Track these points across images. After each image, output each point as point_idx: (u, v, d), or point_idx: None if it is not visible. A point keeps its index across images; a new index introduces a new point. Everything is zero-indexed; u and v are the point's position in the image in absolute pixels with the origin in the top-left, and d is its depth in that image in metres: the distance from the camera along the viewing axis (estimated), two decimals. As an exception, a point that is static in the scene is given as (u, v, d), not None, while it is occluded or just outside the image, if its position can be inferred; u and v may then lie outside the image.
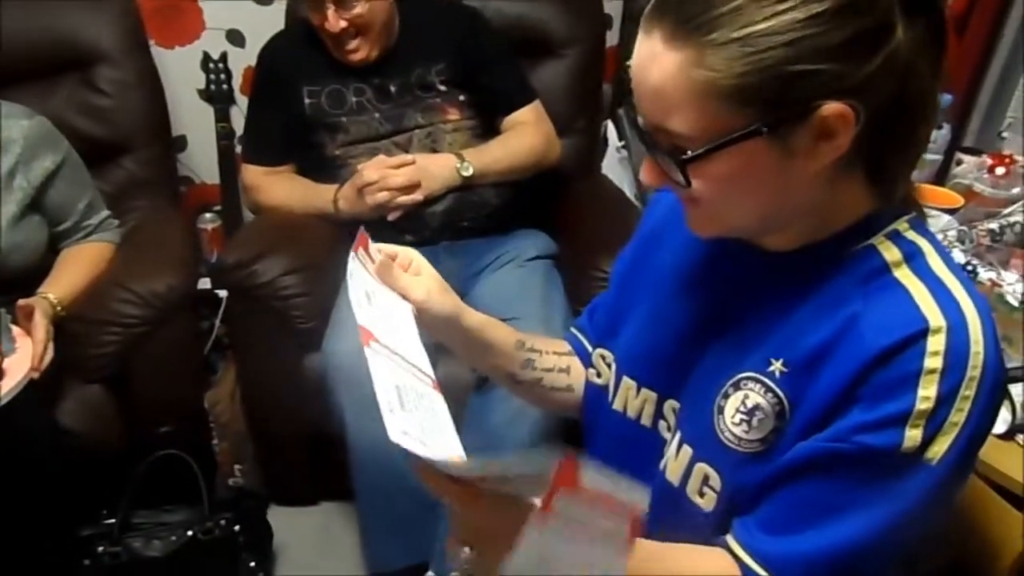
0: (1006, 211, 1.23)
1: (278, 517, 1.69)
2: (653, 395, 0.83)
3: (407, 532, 1.52)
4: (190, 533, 1.50)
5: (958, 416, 0.63)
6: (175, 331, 1.54)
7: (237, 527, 1.55)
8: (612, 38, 2.25)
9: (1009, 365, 1.07)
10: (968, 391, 0.63)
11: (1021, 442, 1.04)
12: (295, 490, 1.79)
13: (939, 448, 0.63)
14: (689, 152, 0.63)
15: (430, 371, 0.77)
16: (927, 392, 0.62)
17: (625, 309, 0.87)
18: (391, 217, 1.61)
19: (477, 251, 1.70)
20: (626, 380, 0.85)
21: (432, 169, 1.63)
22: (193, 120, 2.11)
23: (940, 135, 1.57)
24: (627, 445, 0.85)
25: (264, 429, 1.72)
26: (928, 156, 1.58)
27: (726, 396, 0.73)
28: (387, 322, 0.78)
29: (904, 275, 0.67)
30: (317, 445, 1.68)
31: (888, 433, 0.63)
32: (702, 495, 0.75)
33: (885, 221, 0.69)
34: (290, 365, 1.60)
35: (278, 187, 1.73)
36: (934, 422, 0.62)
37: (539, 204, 1.84)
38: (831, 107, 0.60)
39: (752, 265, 0.74)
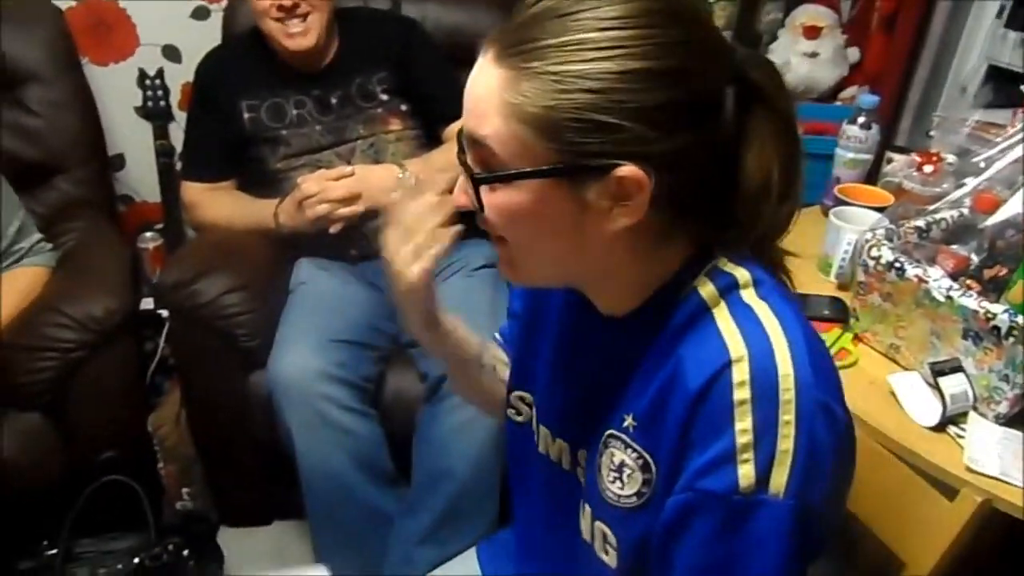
0: (931, 207, 1.26)
1: (229, 539, 1.66)
2: (566, 445, 0.83)
3: (360, 547, 1.51)
4: (137, 560, 1.47)
5: (785, 443, 0.60)
6: (115, 354, 1.51)
7: (186, 551, 1.51)
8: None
9: (938, 359, 1.11)
10: (787, 415, 0.60)
11: (952, 433, 1.07)
12: (246, 510, 1.76)
13: (779, 480, 0.60)
14: (484, 173, 0.64)
15: None
16: (743, 425, 0.60)
17: (533, 355, 0.87)
18: (332, 230, 1.60)
19: (423, 262, 1.70)
20: (542, 428, 0.85)
21: (372, 180, 1.62)
22: (131, 138, 2.08)
23: (870, 135, 1.61)
24: (553, 486, 0.85)
25: (212, 450, 1.69)
26: (859, 156, 1.62)
27: (599, 455, 0.73)
28: None
29: (719, 311, 0.66)
30: (267, 464, 1.66)
31: (722, 474, 0.61)
32: (606, 552, 0.75)
33: (705, 262, 0.68)
34: (236, 384, 1.58)
35: (218, 203, 1.71)
36: (762, 453, 0.60)
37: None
38: (628, 169, 0.60)
39: (600, 330, 0.75)
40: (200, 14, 2.03)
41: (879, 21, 2.04)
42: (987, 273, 1.12)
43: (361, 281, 1.69)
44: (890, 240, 1.20)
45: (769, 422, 0.60)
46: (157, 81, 2.00)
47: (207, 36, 1.88)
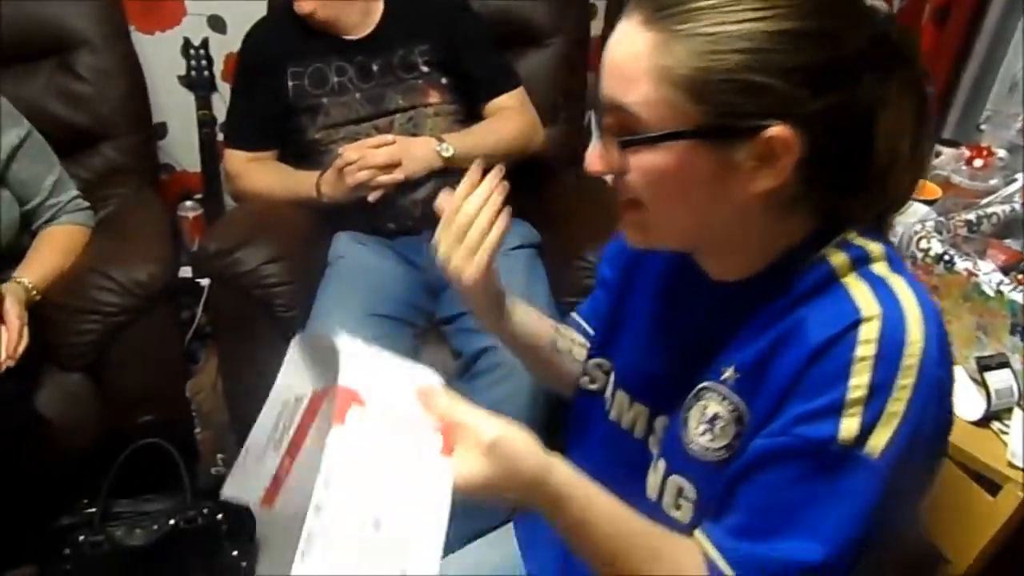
0: (983, 202, 1.24)
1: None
2: (645, 410, 0.84)
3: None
4: (172, 522, 1.49)
5: (896, 406, 0.61)
6: (156, 320, 1.53)
7: (219, 516, 1.54)
8: (596, 28, 2.25)
9: (985, 353, 1.10)
10: (906, 380, 0.61)
11: (996, 429, 1.06)
12: (277, 479, 1.78)
13: (878, 441, 0.61)
14: (633, 135, 0.64)
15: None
16: (859, 380, 0.61)
17: (620, 322, 0.88)
18: (372, 198, 1.60)
19: (460, 240, 1.70)
20: (620, 393, 0.86)
21: (412, 149, 1.63)
22: (174, 107, 2.10)
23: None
24: (615, 453, 0.86)
25: (246, 418, 1.69)
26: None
27: (688, 408, 0.74)
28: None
29: (850, 280, 0.66)
30: (300, 434, 1.67)
31: (823, 424, 0.62)
32: (678, 507, 0.76)
33: (836, 231, 0.69)
34: (272, 354, 1.59)
35: (261, 174, 1.72)
36: (870, 411, 0.61)
37: (523, 193, 1.83)
38: (777, 129, 0.61)
39: (707, 294, 0.75)
40: (246, -14, 2.04)
41: (931, 12, 2.00)
42: (1039, 268, 1.10)
43: (399, 257, 1.69)
44: (939, 233, 1.19)
45: (886, 383, 0.61)
46: (202, 51, 2.02)
47: (253, 7, 1.88)
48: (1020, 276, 1.10)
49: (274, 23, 1.75)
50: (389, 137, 1.63)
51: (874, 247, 0.68)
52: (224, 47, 2.03)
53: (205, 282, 1.82)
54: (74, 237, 1.58)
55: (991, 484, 0.94)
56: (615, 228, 0.92)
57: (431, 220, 1.65)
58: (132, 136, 1.83)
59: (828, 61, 0.60)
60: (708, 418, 0.72)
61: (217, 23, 2.05)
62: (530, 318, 0.94)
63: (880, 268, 0.67)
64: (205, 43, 2.02)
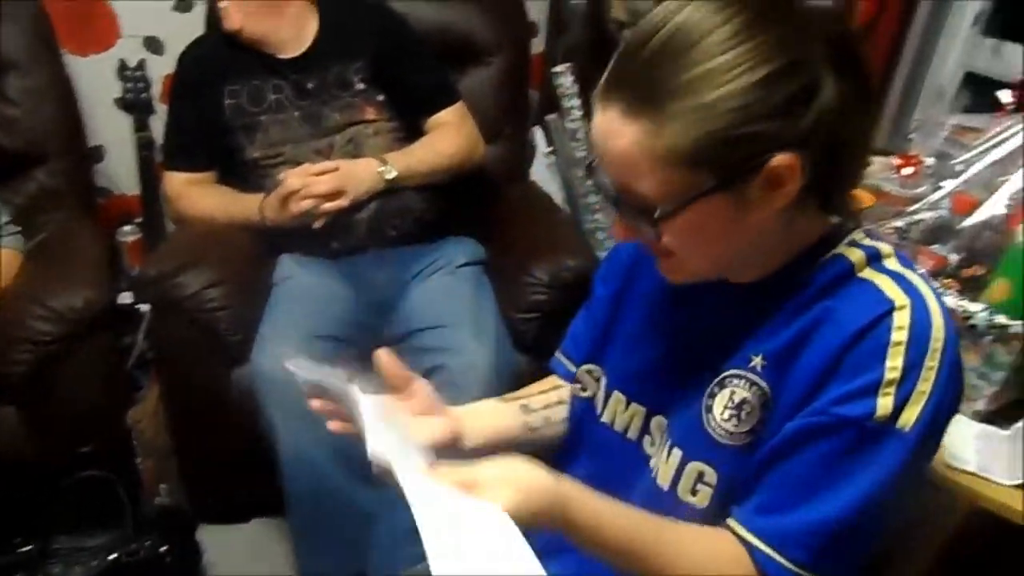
0: (910, 209, 1.28)
1: (208, 536, 1.65)
2: (642, 410, 0.86)
3: (340, 544, 1.50)
4: (114, 556, 1.46)
5: (924, 385, 0.68)
6: (93, 347, 1.49)
7: (164, 548, 1.51)
8: (538, 45, 2.28)
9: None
10: (932, 362, 0.68)
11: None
12: (224, 507, 1.74)
13: (910, 416, 0.68)
14: (658, 211, 0.69)
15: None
16: (895, 363, 0.67)
17: (612, 330, 0.91)
18: (316, 225, 1.59)
19: (406, 259, 1.70)
20: (616, 394, 0.88)
21: (356, 173, 1.62)
22: (111, 130, 2.05)
23: (851, 137, 1.63)
24: (608, 456, 0.88)
25: (191, 446, 1.67)
26: (841, 158, 1.64)
27: (712, 395, 0.77)
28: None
29: (870, 274, 0.73)
30: (246, 460, 1.64)
31: (861, 403, 0.68)
32: (695, 493, 0.78)
33: (844, 233, 0.75)
34: (217, 380, 1.56)
35: (202, 197, 1.70)
36: (903, 390, 0.68)
37: (468, 210, 1.84)
38: (779, 159, 0.66)
39: (725, 293, 0.79)
40: (183, 6, 2.01)
41: (859, 27, 2.07)
42: (965, 273, 1.14)
43: (344, 277, 1.68)
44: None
45: (917, 364, 0.68)
46: (138, 72, 1.98)
47: (190, 28, 1.86)
48: (947, 280, 1.13)
49: (210, 42, 1.73)
50: (332, 164, 1.62)
51: (883, 246, 0.75)
52: (162, 68, 2.00)
53: (146, 308, 1.78)
54: (6, 261, 1.53)
55: (931, 485, 0.96)
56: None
57: (377, 239, 1.68)
58: (65, 160, 1.79)
59: (799, 87, 0.65)
60: (736, 404, 0.75)
61: (153, 44, 2.02)
62: (490, 422, 0.93)
63: (893, 264, 0.74)
64: (141, 64, 1.98)
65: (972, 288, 1.12)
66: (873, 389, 0.68)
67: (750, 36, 0.65)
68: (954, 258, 1.18)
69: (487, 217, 1.89)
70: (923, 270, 0.76)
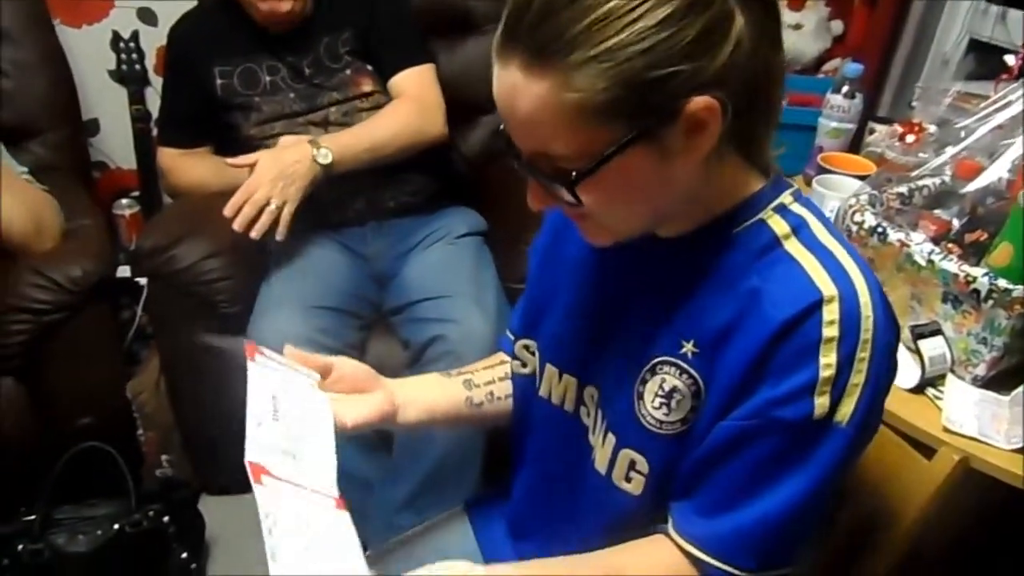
0: (913, 174, 1.27)
1: (210, 507, 1.66)
2: (574, 381, 0.84)
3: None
4: (117, 527, 1.46)
5: (858, 377, 0.66)
6: (92, 319, 1.49)
7: (166, 518, 1.51)
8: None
9: (918, 322, 1.12)
10: (863, 353, 0.66)
11: (931, 395, 1.09)
12: (226, 478, 1.75)
13: (847, 410, 0.67)
14: (574, 173, 0.64)
15: (333, 488, 0.74)
16: (828, 360, 0.65)
17: (544, 300, 0.89)
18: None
19: (405, 230, 1.69)
20: (549, 367, 0.87)
21: (284, 168, 1.45)
22: (106, 103, 2.04)
23: (853, 104, 1.61)
24: (552, 430, 0.88)
25: (191, 417, 1.68)
26: (843, 125, 1.63)
27: (644, 381, 0.75)
28: (290, 434, 0.75)
29: (793, 247, 0.69)
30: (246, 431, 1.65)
31: (798, 404, 0.66)
32: (628, 480, 0.77)
33: (770, 197, 0.72)
34: (215, 351, 1.56)
35: (194, 167, 1.68)
36: (838, 387, 0.66)
37: (467, 181, 1.83)
38: (697, 102, 0.62)
39: (650, 253, 0.76)
40: (177, -24, 1.98)
41: (864, -6, 2.04)
42: (968, 237, 1.13)
43: (342, 248, 1.67)
44: (873, 206, 1.21)
45: (849, 358, 0.66)
46: (131, 44, 1.95)
47: (184, -2, 1.84)
48: (950, 246, 1.12)
49: (201, 17, 1.69)
50: (252, 157, 1.48)
51: (808, 214, 0.72)
52: (155, 40, 1.97)
53: (144, 281, 1.77)
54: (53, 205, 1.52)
55: (927, 449, 0.96)
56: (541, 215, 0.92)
57: (375, 210, 1.67)
58: (60, 132, 1.78)
59: (709, 22, 0.61)
60: (666, 392, 0.73)
61: (147, 15, 2.00)
62: (431, 396, 0.92)
63: (820, 234, 0.70)
64: (135, 36, 1.96)
65: (974, 253, 1.11)
66: (809, 390, 0.66)
67: None
68: (957, 223, 1.17)
69: (487, 187, 1.88)
70: (856, 250, 0.72)
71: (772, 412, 0.67)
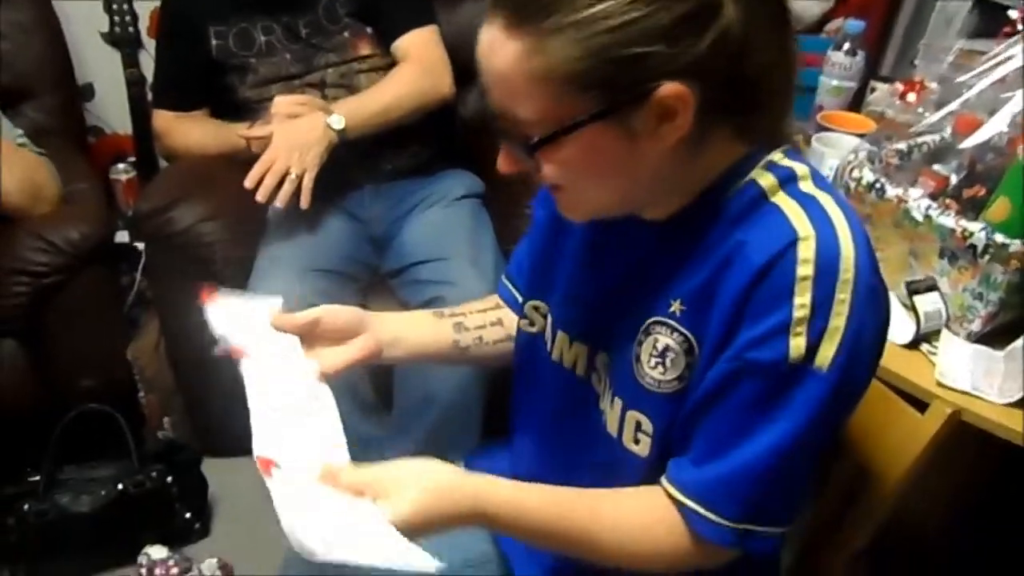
0: (913, 130, 1.26)
1: (212, 469, 1.68)
2: (585, 348, 0.85)
3: (342, 474, 1.52)
4: (120, 487, 1.48)
5: (838, 320, 0.65)
6: (91, 282, 1.50)
7: (169, 479, 1.53)
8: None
9: (914, 277, 1.12)
10: (843, 294, 0.64)
11: (925, 351, 1.09)
12: (227, 441, 1.76)
13: (826, 353, 0.65)
14: (535, 138, 0.64)
15: (344, 455, 0.75)
16: (802, 299, 0.64)
17: (553, 261, 0.88)
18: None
19: (403, 192, 1.68)
20: (560, 333, 0.87)
21: (299, 137, 1.45)
22: (100, 67, 2.02)
23: (855, 62, 1.59)
24: (563, 393, 0.88)
25: (191, 380, 1.69)
26: (844, 84, 1.61)
27: (639, 343, 0.75)
28: (288, 416, 0.76)
29: (780, 199, 0.69)
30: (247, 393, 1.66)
31: (773, 345, 0.65)
32: (637, 442, 0.78)
33: (759, 157, 0.71)
34: (215, 313, 1.57)
35: (189, 130, 1.67)
36: (815, 328, 0.64)
37: (464, 143, 1.82)
38: (667, 88, 0.61)
39: (641, 231, 0.76)
40: (169, -64, 1.95)
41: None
42: (966, 193, 1.12)
43: (341, 211, 1.66)
44: (872, 162, 1.20)
45: (826, 298, 0.64)
46: (124, 6, 1.94)
47: (177, -42, 1.82)
48: (948, 201, 1.12)
49: None
50: (267, 129, 1.47)
51: (799, 166, 0.71)
52: (149, 2, 1.95)
53: (143, 246, 1.78)
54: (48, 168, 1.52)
55: (920, 403, 0.97)
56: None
57: (373, 173, 1.66)
58: (55, 96, 1.78)
59: (691, 9, 0.60)
60: (659, 351, 0.73)
61: (140, -24, 1.97)
62: (419, 335, 0.93)
63: (807, 186, 0.70)
64: (128, -2, 1.94)
65: (972, 208, 1.11)
66: (783, 330, 0.64)
67: None
68: (955, 178, 1.16)
69: (484, 149, 1.87)
70: (845, 199, 0.71)
71: (748, 354, 0.66)
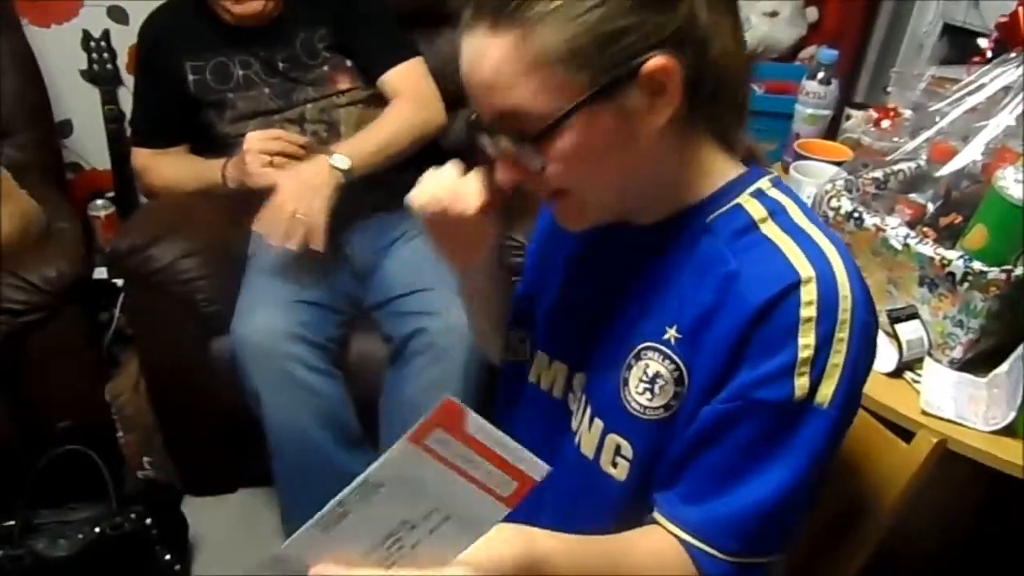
0: (889, 158, 1.28)
1: (193, 508, 1.65)
2: (564, 367, 0.85)
3: (327, 511, 1.50)
4: (98, 530, 1.45)
5: (837, 358, 0.66)
6: (69, 321, 1.48)
7: (149, 520, 1.50)
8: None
9: (895, 306, 1.13)
10: (842, 333, 0.66)
11: (908, 379, 1.10)
12: (210, 479, 1.74)
13: (827, 391, 0.67)
14: (538, 128, 0.66)
15: None
16: (806, 340, 0.66)
17: (536, 294, 0.90)
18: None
19: (383, 225, 1.68)
20: (540, 354, 0.88)
21: (306, 181, 1.47)
22: (78, 103, 2.01)
23: (829, 90, 1.62)
24: (538, 415, 0.88)
25: (173, 418, 1.66)
26: (819, 112, 1.63)
27: (629, 367, 0.75)
28: None
29: (770, 230, 0.70)
30: (230, 431, 1.64)
31: (778, 386, 0.66)
32: (615, 465, 0.77)
33: (748, 182, 0.73)
34: (196, 351, 1.55)
35: (167, 166, 1.66)
36: (817, 368, 0.66)
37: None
38: (654, 61, 0.64)
39: (631, 241, 0.77)
40: (146, -27, 1.96)
41: (838, -20, 2.04)
42: (943, 221, 1.13)
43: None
44: (849, 191, 1.21)
45: (828, 338, 0.66)
46: (103, 43, 1.94)
47: (154, -5, 1.82)
48: (925, 229, 1.13)
49: (169, 13, 1.66)
50: (272, 179, 1.47)
51: (785, 199, 0.73)
52: (127, 38, 1.95)
53: (121, 282, 1.76)
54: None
55: (905, 432, 0.96)
56: (538, 206, 0.92)
57: (354, 207, 1.65)
58: (32, 133, 1.77)
59: None
60: (649, 378, 0.73)
61: (118, 14, 1.97)
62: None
63: (797, 216, 0.71)
64: (106, 35, 1.93)
65: (949, 236, 1.12)
66: (788, 371, 0.66)
67: None
68: (932, 207, 1.17)
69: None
70: (832, 231, 0.73)
71: (752, 394, 0.67)
